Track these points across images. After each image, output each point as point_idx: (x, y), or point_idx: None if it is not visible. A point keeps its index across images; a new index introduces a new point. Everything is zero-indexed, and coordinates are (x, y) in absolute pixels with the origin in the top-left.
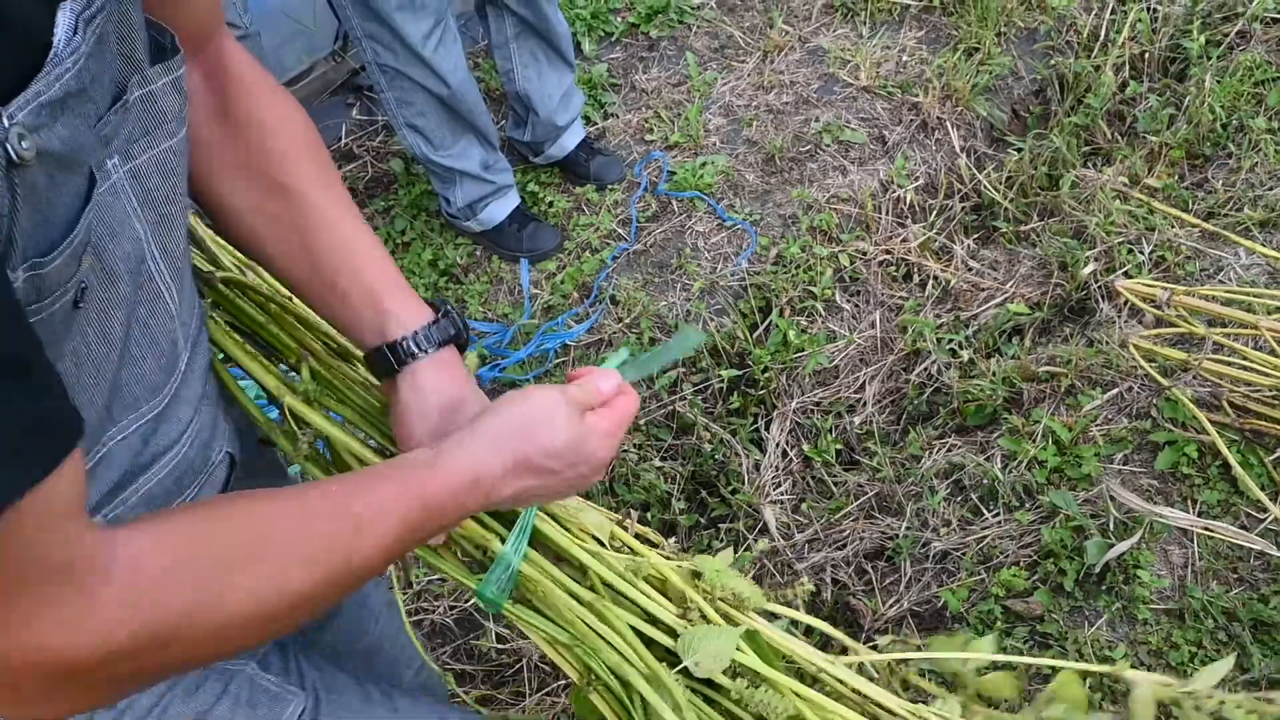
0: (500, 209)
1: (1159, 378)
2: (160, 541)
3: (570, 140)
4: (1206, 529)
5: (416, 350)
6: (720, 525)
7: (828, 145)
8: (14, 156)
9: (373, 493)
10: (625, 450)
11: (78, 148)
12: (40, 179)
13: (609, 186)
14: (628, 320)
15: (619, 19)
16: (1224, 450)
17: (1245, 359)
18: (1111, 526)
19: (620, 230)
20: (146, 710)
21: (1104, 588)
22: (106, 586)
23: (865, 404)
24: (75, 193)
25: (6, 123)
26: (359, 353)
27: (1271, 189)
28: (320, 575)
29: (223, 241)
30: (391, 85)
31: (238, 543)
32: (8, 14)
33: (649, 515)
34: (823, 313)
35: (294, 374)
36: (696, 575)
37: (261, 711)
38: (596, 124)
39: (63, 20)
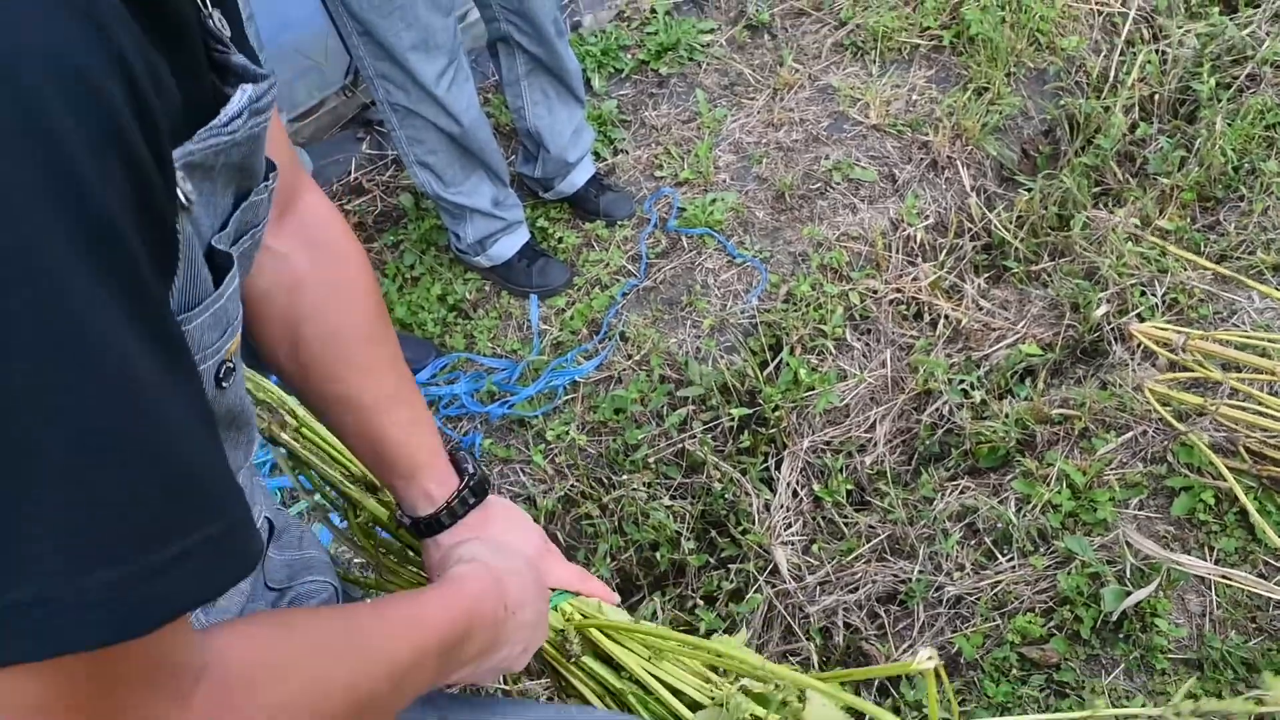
0: (510, 245)
1: (1175, 422)
2: (250, 649)
3: (580, 176)
4: (1225, 577)
5: (446, 521)
6: (730, 565)
7: (838, 183)
8: (184, 199)
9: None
10: (634, 489)
11: (202, 219)
12: (190, 233)
13: (619, 223)
14: (637, 357)
15: (629, 56)
16: (1242, 497)
17: (1261, 404)
18: (1128, 573)
19: (630, 266)
20: None
21: (1121, 636)
22: (193, 702)
23: (876, 444)
24: (206, 259)
25: (175, 164)
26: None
27: None
28: (400, 677)
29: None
30: (403, 124)
31: (323, 643)
32: (204, 64)
33: (658, 555)
34: (833, 351)
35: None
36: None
37: None
38: (606, 160)
39: (238, 98)
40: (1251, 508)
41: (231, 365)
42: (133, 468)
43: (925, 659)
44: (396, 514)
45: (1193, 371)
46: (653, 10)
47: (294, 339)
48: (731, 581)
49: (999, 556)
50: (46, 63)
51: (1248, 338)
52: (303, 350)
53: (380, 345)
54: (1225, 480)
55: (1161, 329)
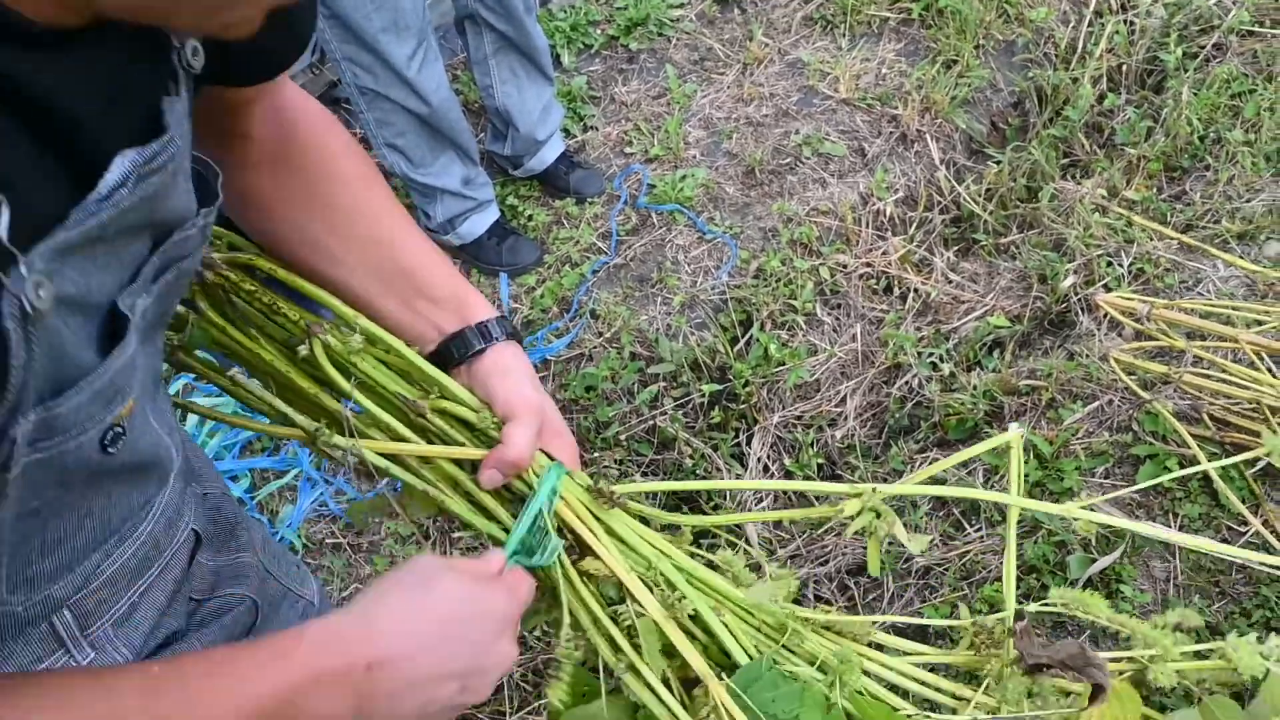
0: (480, 223)
1: (1140, 391)
2: None
3: (550, 154)
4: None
5: (497, 334)
6: (702, 541)
7: (808, 158)
8: (29, 308)
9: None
10: (606, 466)
11: (90, 290)
12: (57, 324)
13: (589, 200)
14: (608, 335)
15: (598, 31)
16: (1205, 464)
17: (1225, 372)
18: (1094, 541)
19: (600, 244)
20: None
21: None
22: None
23: (846, 418)
24: (90, 334)
25: (25, 271)
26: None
27: (1248, 201)
28: None
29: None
30: (371, 107)
31: None
32: (67, 150)
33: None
34: (804, 326)
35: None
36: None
37: None
38: (576, 137)
39: (118, 166)
40: (1215, 474)
41: (121, 430)
42: None
43: (1015, 430)
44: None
45: (1158, 340)
46: None
47: (267, 214)
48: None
49: (967, 527)
50: None
51: (1212, 306)
52: (321, 185)
53: (378, 186)
54: (1189, 448)
55: (1127, 299)
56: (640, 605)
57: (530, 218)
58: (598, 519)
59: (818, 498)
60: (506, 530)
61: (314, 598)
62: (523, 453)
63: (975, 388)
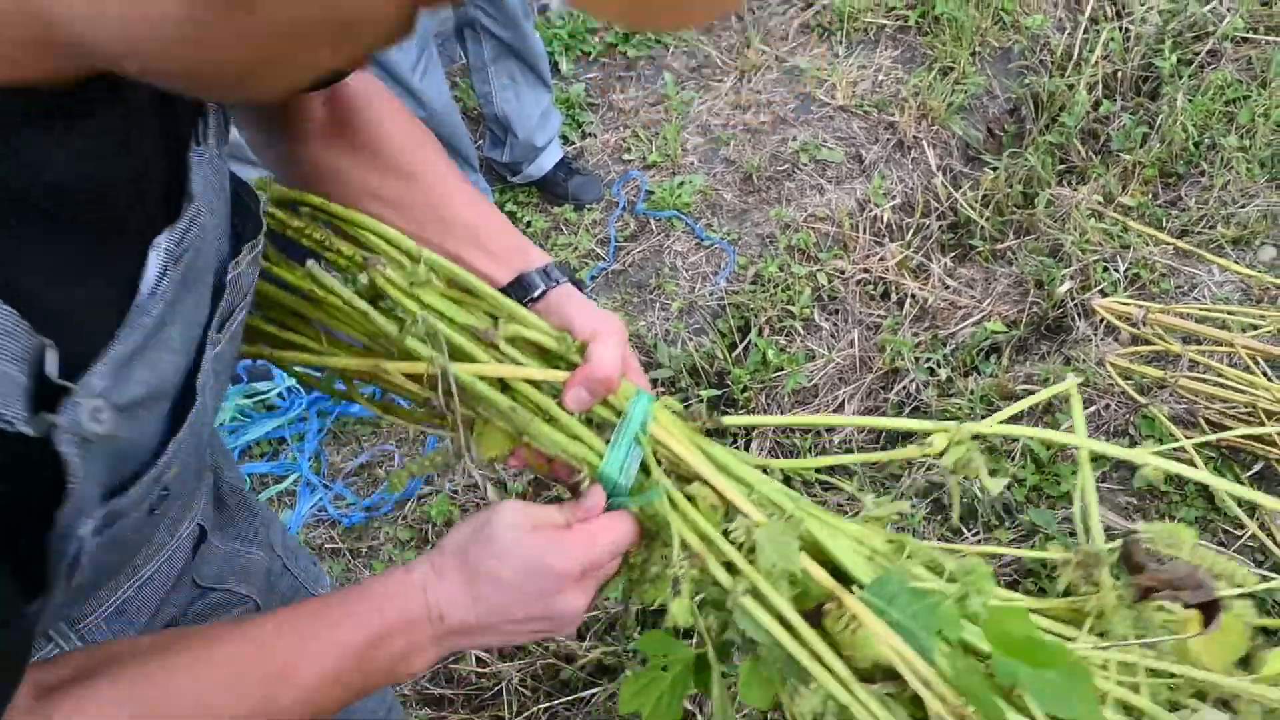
0: None
1: (1136, 395)
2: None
3: (548, 160)
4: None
5: (559, 277)
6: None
7: (805, 164)
8: (88, 434)
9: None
10: None
11: (165, 378)
12: (121, 429)
13: (587, 206)
14: None
15: (596, 39)
16: (1202, 468)
17: (1221, 376)
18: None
19: (598, 250)
20: None
21: None
22: None
23: None
24: (159, 418)
25: (80, 399)
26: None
27: (1243, 206)
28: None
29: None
30: None
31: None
32: (107, 241)
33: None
34: (801, 332)
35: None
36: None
37: None
38: (574, 143)
39: (154, 261)
40: (1211, 479)
41: (167, 492)
42: None
43: (1071, 379)
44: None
45: (1154, 345)
46: None
47: (369, 156)
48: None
49: (965, 531)
50: None
51: (1207, 310)
52: (380, 155)
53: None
54: (1186, 451)
55: (1123, 304)
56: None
57: (529, 224)
58: (695, 445)
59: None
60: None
61: (316, 588)
62: (612, 370)
63: (972, 392)
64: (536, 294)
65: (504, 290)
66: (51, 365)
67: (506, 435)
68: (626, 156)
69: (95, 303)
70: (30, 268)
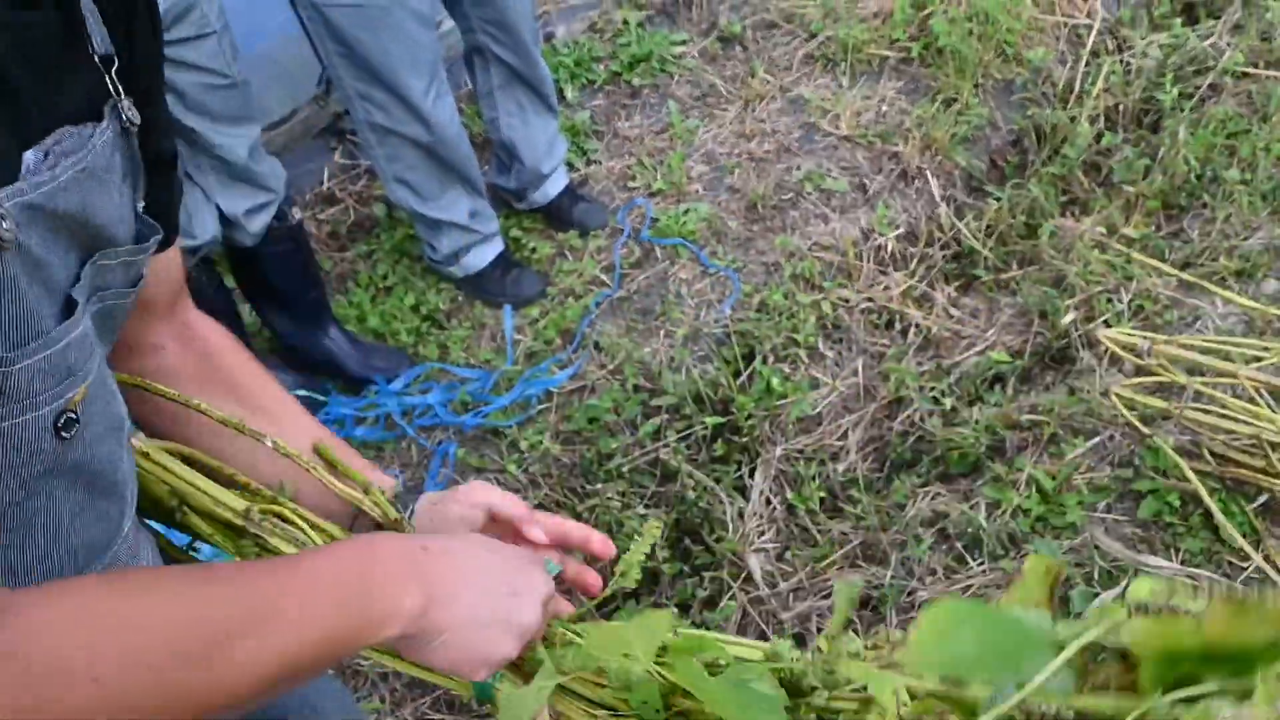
0: (484, 255)
1: (1140, 426)
2: (55, 618)
3: (554, 187)
4: (1190, 578)
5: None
6: (704, 573)
7: (809, 193)
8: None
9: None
10: (608, 498)
11: (52, 264)
12: (19, 274)
13: (592, 233)
14: (611, 367)
15: (601, 67)
16: (1206, 499)
17: (1225, 408)
18: (1096, 575)
19: (604, 276)
20: None
21: None
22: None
23: (848, 451)
24: (49, 308)
25: (12, 195)
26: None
27: (1246, 239)
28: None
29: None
30: (382, 142)
31: (127, 627)
32: (16, 110)
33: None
34: (805, 360)
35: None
36: None
37: None
38: (579, 170)
39: (31, 155)
40: (1216, 509)
41: (74, 416)
42: None
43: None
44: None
45: (1158, 376)
46: (625, 22)
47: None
48: (705, 589)
49: (970, 561)
50: None
51: (1211, 342)
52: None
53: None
54: (1190, 483)
55: (1128, 334)
56: None
57: (534, 250)
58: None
59: (820, 532)
60: None
61: None
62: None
63: (977, 422)
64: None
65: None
66: None
67: None
68: (631, 184)
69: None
70: None
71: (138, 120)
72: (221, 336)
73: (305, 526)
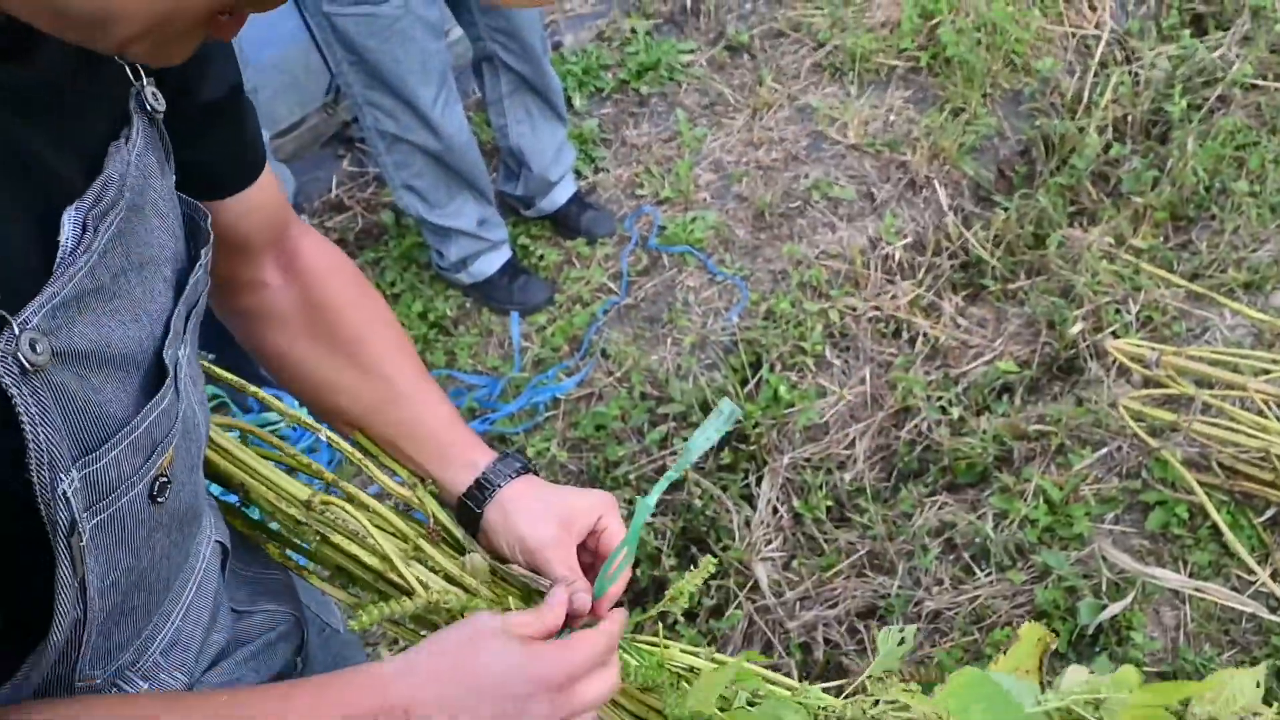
0: (492, 262)
1: (1148, 439)
2: None
3: (562, 194)
4: (1198, 590)
5: (499, 481)
6: (710, 583)
7: (817, 202)
8: (26, 363)
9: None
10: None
11: (110, 342)
12: (69, 380)
13: (599, 240)
14: (618, 374)
15: (609, 75)
16: (1213, 513)
17: (1233, 420)
18: (1104, 587)
19: (611, 284)
20: None
21: (1098, 649)
22: None
23: (856, 460)
24: (127, 388)
25: (17, 330)
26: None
27: (1254, 251)
28: None
29: None
30: (391, 150)
31: None
32: (36, 201)
33: (638, 572)
34: (813, 368)
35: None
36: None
37: None
38: (587, 178)
39: (69, 221)
40: (1223, 523)
41: (167, 480)
42: None
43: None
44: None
45: (1166, 388)
46: (633, 31)
47: (291, 372)
48: (712, 598)
49: (977, 571)
50: None
51: (1219, 354)
52: (338, 342)
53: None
54: (1197, 495)
55: (1137, 345)
56: None
57: (541, 257)
58: None
59: (827, 541)
60: None
61: (339, 626)
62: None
63: (985, 432)
64: (501, 486)
65: (466, 494)
66: None
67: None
68: (639, 192)
69: (21, 255)
70: None
71: (163, 106)
72: (331, 266)
73: (364, 521)
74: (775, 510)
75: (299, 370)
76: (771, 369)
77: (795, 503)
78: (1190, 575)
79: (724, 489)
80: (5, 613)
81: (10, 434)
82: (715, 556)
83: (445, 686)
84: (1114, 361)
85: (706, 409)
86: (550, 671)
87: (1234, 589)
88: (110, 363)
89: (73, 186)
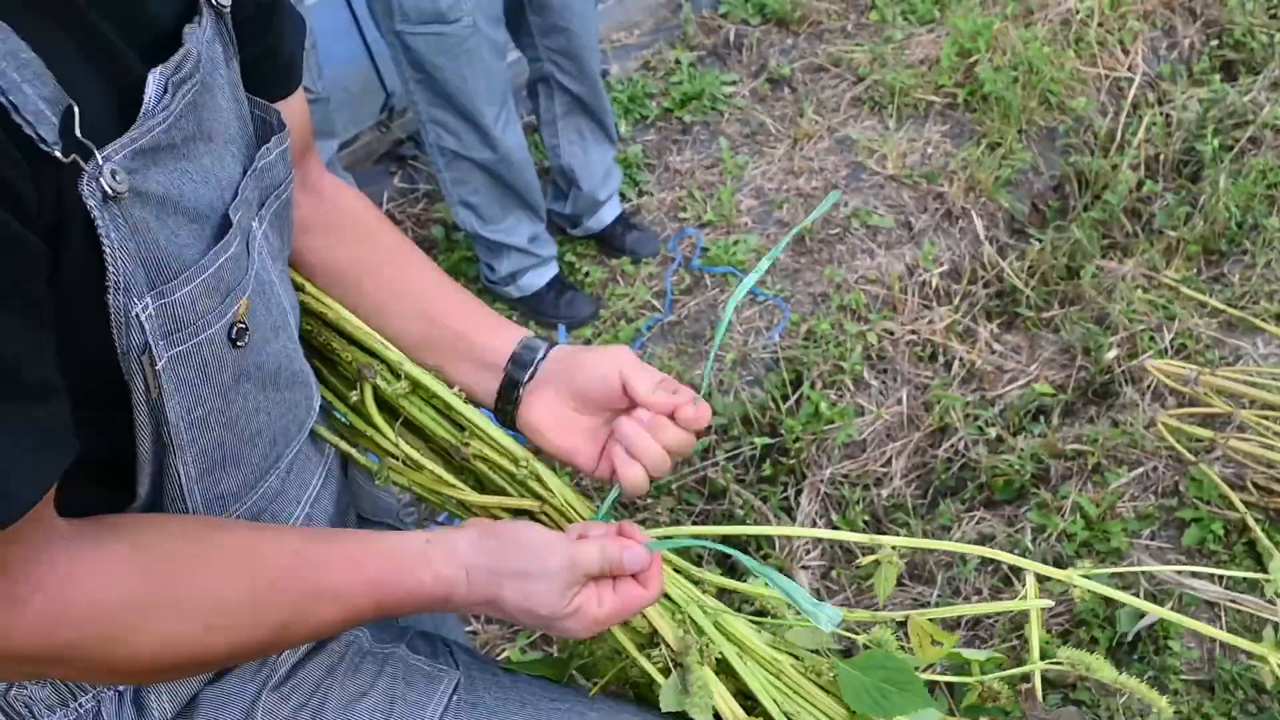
0: (540, 277)
1: (1187, 454)
2: (96, 570)
3: (608, 214)
4: (1233, 602)
5: (539, 349)
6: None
7: (856, 229)
8: (109, 190)
9: (337, 572)
10: (658, 514)
11: (183, 195)
12: (146, 216)
13: (644, 260)
14: None
15: (654, 103)
16: (1254, 527)
17: (1269, 441)
18: (1141, 597)
19: (655, 302)
20: (310, 691)
21: (1135, 657)
22: (32, 602)
23: (892, 478)
24: (199, 235)
25: (100, 162)
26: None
27: None
28: (239, 639)
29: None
30: (450, 166)
31: (172, 586)
32: (110, 71)
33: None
34: (851, 388)
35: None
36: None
37: (419, 688)
38: (631, 201)
39: (153, 81)
40: (1262, 536)
41: (244, 326)
42: None
43: None
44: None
45: (1203, 409)
46: (677, 61)
47: (352, 246)
48: (752, 604)
49: (1015, 582)
50: None
51: (1258, 373)
52: (363, 250)
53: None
54: (1235, 512)
55: (1176, 366)
56: (671, 649)
57: (587, 274)
58: None
59: (863, 550)
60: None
61: None
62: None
63: (1022, 450)
64: (541, 354)
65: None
66: (76, 125)
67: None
68: (682, 214)
69: (102, 110)
70: (55, 54)
71: (228, 1)
72: (351, 195)
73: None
74: (814, 523)
75: (325, 275)
76: (812, 386)
77: (834, 516)
78: (1227, 589)
79: (764, 500)
80: (100, 443)
81: (92, 257)
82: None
83: (488, 590)
84: (1149, 385)
85: (749, 423)
86: (581, 630)
87: (1269, 603)
88: (182, 212)
89: (136, 62)
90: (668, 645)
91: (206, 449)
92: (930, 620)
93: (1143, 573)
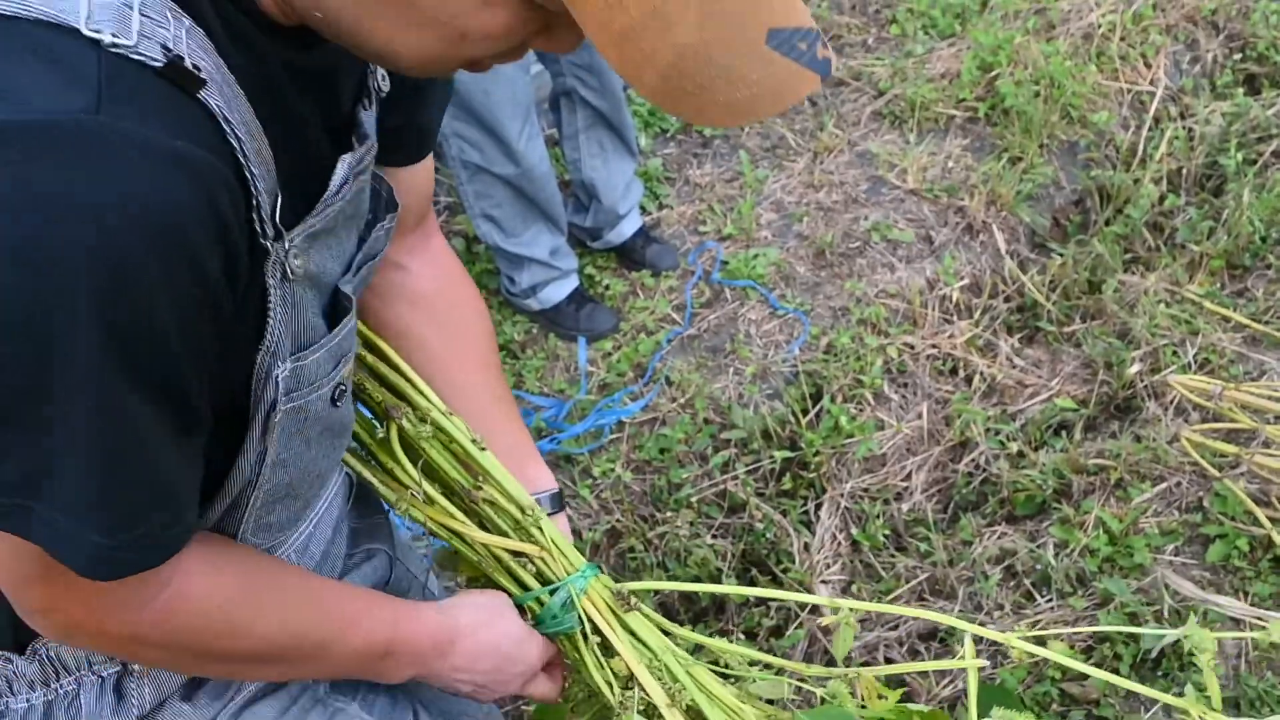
0: (560, 290)
1: (1212, 469)
2: (211, 586)
3: (628, 227)
4: (1259, 619)
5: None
6: (770, 603)
7: (876, 242)
8: (289, 272)
9: (379, 618)
10: (677, 526)
11: (325, 271)
12: (302, 292)
13: (663, 273)
14: (682, 400)
15: (674, 117)
16: (1279, 543)
17: None
18: (1165, 614)
19: (675, 314)
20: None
21: (1160, 673)
22: (151, 606)
23: (913, 492)
24: (322, 308)
25: (287, 244)
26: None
27: None
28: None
29: None
30: (473, 179)
31: (261, 607)
32: (306, 158)
33: (699, 592)
34: (871, 402)
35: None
36: None
37: None
38: (651, 214)
39: (341, 169)
40: None
41: (344, 387)
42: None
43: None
44: None
45: (1227, 423)
46: None
47: (401, 345)
48: (772, 618)
49: (1038, 597)
50: (145, 213)
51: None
52: (406, 355)
53: (482, 372)
54: (1260, 528)
55: (1199, 381)
56: (646, 692)
57: (607, 287)
58: (616, 616)
59: (884, 568)
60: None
61: (422, 576)
62: None
63: (1044, 465)
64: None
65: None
66: (277, 211)
67: (478, 569)
68: (702, 228)
69: (303, 184)
70: (271, 142)
71: (387, 86)
72: (460, 272)
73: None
74: (834, 537)
75: (406, 349)
76: (833, 399)
77: (854, 531)
78: (1251, 605)
79: (784, 514)
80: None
81: (257, 324)
82: (775, 578)
83: (469, 643)
84: (1172, 401)
85: (769, 436)
86: (535, 658)
87: None
88: (318, 287)
89: (327, 148)
90: (642, 687)
91: (277, 485)
92: (876, 678)
93: (1167, 588)
